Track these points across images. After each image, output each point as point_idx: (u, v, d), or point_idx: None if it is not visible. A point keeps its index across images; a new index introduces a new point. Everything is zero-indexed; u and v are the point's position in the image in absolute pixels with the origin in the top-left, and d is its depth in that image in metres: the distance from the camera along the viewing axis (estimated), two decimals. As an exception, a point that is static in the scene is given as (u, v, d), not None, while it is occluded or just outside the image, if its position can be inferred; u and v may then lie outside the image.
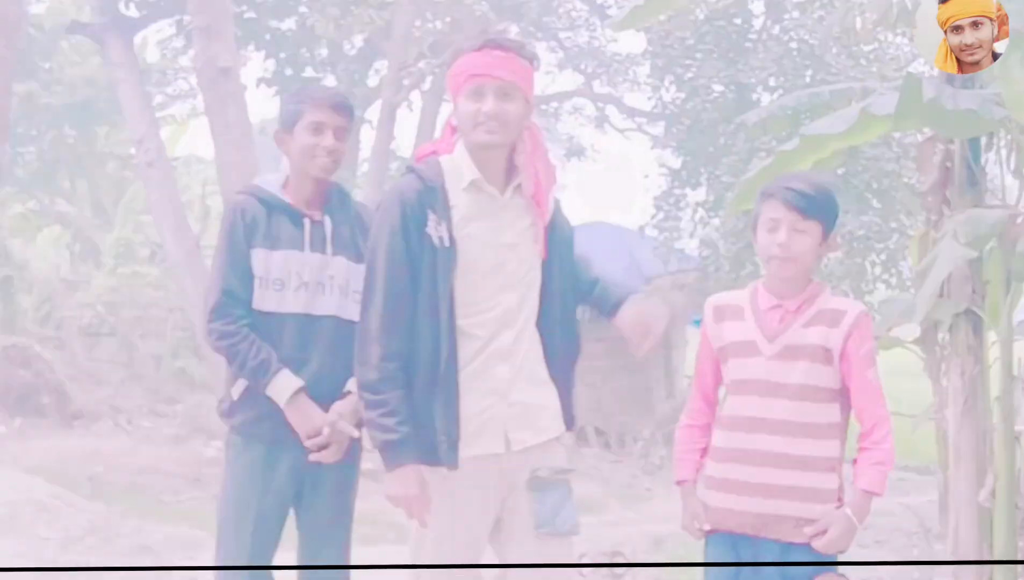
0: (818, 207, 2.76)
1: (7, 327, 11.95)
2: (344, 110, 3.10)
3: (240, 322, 2.99)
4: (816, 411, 2.74)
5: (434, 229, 2.67)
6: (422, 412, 2.67)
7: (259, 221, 3.04)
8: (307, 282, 3.03)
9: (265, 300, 3.02)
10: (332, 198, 3.13)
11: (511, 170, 2.77)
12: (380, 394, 2.68)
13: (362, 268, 3.02)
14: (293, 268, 3.02)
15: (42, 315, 13.59)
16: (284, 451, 3.00)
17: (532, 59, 2.78)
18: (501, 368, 2.71)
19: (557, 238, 2.86)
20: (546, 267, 2.83)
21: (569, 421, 2.89)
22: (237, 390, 3.03)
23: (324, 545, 3.09)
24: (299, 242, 3.04)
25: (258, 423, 3.01)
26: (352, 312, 3.02)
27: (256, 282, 3.01)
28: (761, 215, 2.80)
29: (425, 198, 2.69)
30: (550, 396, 2.82)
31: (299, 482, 3.04)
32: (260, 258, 3.01)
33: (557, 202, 2.89)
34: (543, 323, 2.84)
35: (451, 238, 2.68)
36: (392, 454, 2.69)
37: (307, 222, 3.06)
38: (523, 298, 2.76)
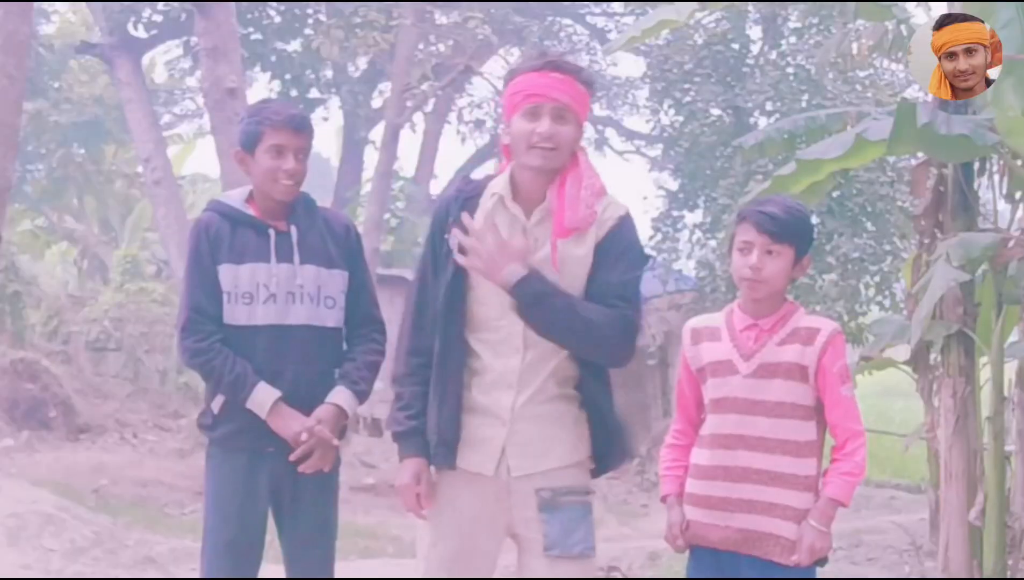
0: (790, 231, 2.79)
1: (15, 342, 12.01)
2: (304, 131, 3.06)
3: (212, 338, 2.97)
4: (793, 428, 2.78)
5: (451, 240, 2.68)
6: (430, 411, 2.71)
7: (223, 236, 3.01)
8: (275, 294, 3.00)
9: (235, 314, 2.99)
10: (297, 207, 3.10)
11: (545, 193, 2.71)
12: (400, 387, 2.73)
13: (334, 274, 3.08)
14: (261, 280, 2.99)
15: (50, 330, 13.69)
16: (264, 462, 3.01)
17: (590, 84, 2.75)
18: (506, 395, 2.67)
19: (606, 261, 2.71)
20: (589, 289, 2.71)
21: (607, 450, 2.75)
22: (217, 404, 3.02)
23: (308, 554, 3.09)
24: (265, 254, 3.01)
25: (239, 435, 3.01)
26: (325, 319, 3.06)
27: (225, 297, 2.99)
28: (736, 237, 2.84)
29: (451, 206, 2.73)
30: (565, 428, 2.71)
31: (279, 492, 3.05)
32: (227, 273, 2.99)
33: (622, 228, 2.74)
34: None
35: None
36: (399, 445, 2.75)
37: (272, 233, 3.03)
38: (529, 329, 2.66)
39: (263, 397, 2.96)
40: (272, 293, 3.00)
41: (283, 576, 3.15)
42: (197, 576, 3.14)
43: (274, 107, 3.14)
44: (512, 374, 2.67)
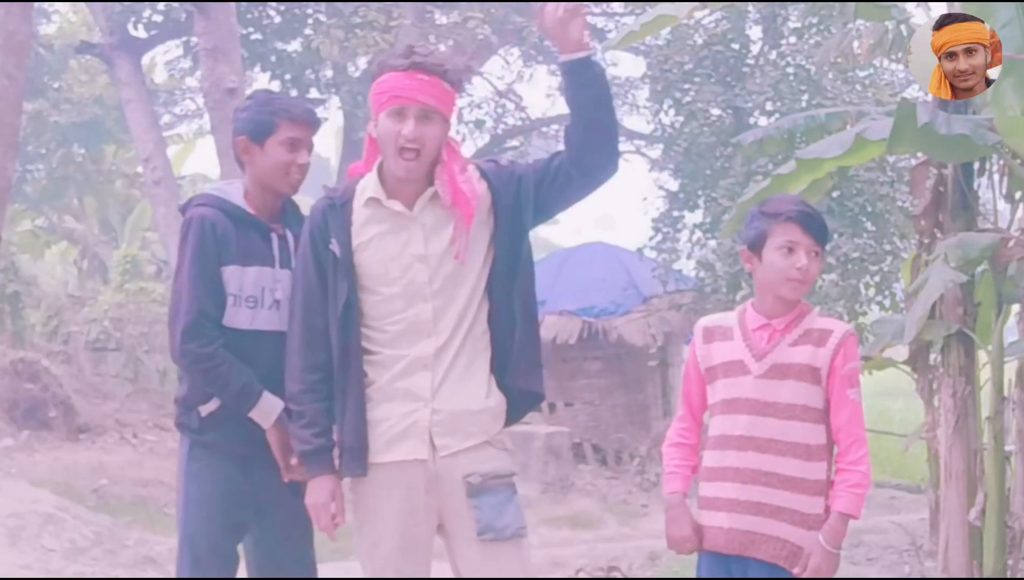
0: (825, 232, 2.83)
1: (15, 342, 12.01)
2: (317, 125, 3.07)
3: (216, 343, 2.89)
4: (804, 431, 2.76)
5: (336, 245, 2.74)
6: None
7: (229, 236, 2.93)
8: (279, 299, 2.95)
9: (238, 318, 2.93)
10: (288, 210, 3.06)
11: (423, 183, 2.75)
12: (301, 405, 2.75)
13: None
14: (266, 285, 2.94)
15: (50, 330, 13.69)
16: (250, 466, 2.97)
17: (456, 83, 2.78)
18: (422, 375, 2.71)
19: (504, 252, 2.81)
20: (496, 262, 2.79)
21: (529, 402, 2.85)
22: (208, 409, 2.95)
23: (290, 559, 3.05)
24: (269, 258, 2.96)
25: (229, 441, 2.95)
26: None
27: (230, 299, 2.92)
28: (774, 236, 2.79)
29: (329, 216, 2.76)
30: (487, 399, 2.77)
31: (260, 498, 2.97)
32: (233, 275, 2.92)
33: (508, 219, 2.80)
34: (494, 319, 2.80)
35: (348, 252, 2.72)
36: (308, 465, 2.76)
37: (275, 237, 2.98)
38: (441, 309, 2.73)
39: (268, 408, 2.91)
40: (276, 298, 2.96)
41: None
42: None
43: (287, 100, 3.12)
44: (428, 357, 2.72)
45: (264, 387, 2.90)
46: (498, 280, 2.80)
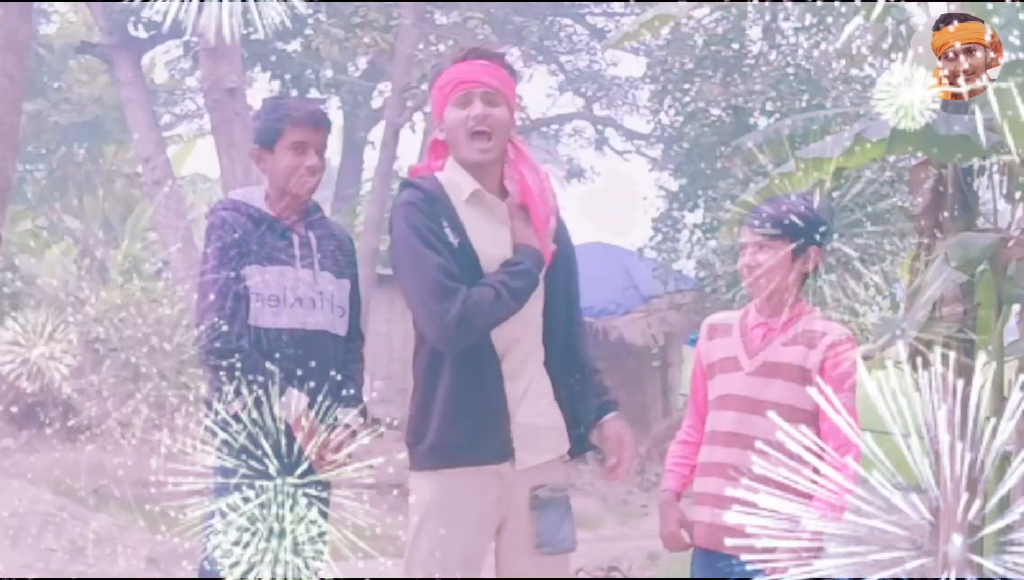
0: (782, 226, 2.82)
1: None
2: (323, 125, 3.10)
3: (240, 340, 2.96)
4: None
5: (452, 235, 2.67)
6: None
7: (250, 237, 3.00)
8: (301, 297, 3.02)
9: (261, 316, 3.00)
10: (311, 213, 3.12)
11: (504, 190, 2.76)
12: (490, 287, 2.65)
13: (342, 283, 3.10)
14: (288, 284, 3.01)
15: (50, 330, 13.66)
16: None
17: (512, 70, 2.79)
18: (509, 387, 2.70)
19: (561, 254, 2.81)
20: (550, 281, 2.78)
21: (576, 440, 2.84)
22: (233, 408, 2.97)
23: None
24: (290, 257, 3.03)
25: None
26: (338, 327, 3.08)
27: (253, 298, 2.99)
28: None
29: (434, 205, 2.68)
30: (555, 416, 2.79)
31: None
32: (254, 274, 2.99)
33: (561, 221, 2.84)
34: (547, 337, 2.80)
35: (466, 241, 2.66)
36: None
37: (296, 237, 3.05)
38: (527, 317, 2.72)
39: (292, 404, 2.93)
40: (298, 297, 3.01)
41: None
42: (196, 576, 3.13)
43: (292, 103, 3.16)
44: (516, 367, 2.70)
45: (285, 381, 2.92)
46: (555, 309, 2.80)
